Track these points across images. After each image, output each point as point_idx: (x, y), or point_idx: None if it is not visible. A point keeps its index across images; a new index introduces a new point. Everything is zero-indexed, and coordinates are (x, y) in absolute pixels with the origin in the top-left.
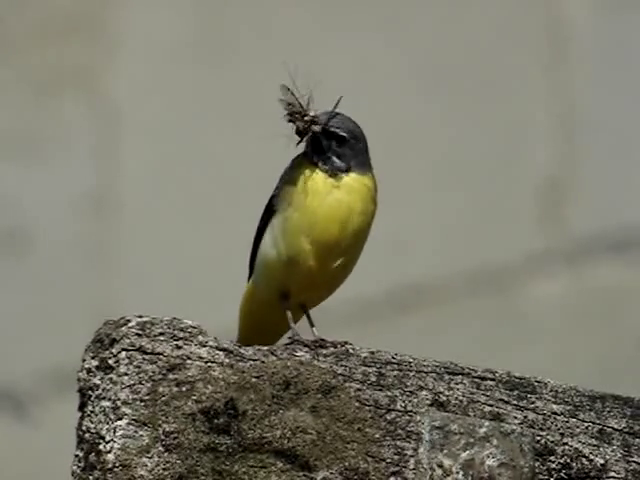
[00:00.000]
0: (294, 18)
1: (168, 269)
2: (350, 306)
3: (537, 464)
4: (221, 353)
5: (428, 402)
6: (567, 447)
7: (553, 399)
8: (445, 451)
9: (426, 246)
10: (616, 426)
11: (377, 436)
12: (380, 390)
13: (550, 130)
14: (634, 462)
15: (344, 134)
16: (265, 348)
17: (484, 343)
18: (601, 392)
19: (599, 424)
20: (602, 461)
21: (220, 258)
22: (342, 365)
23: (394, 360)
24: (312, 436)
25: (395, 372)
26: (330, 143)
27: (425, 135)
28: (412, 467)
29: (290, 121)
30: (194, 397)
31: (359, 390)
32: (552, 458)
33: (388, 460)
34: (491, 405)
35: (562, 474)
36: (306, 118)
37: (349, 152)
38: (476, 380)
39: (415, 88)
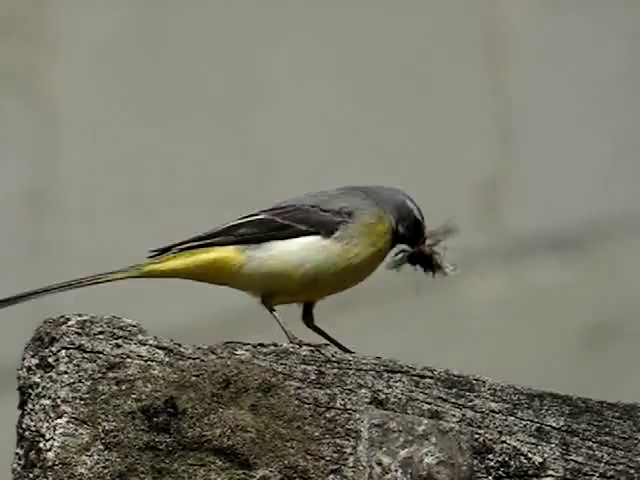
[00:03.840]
0: (230, 18)
1: (106, 268)
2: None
3: (475, 462)
4: (161, 352)
5: (367, 400)
6: (505, 445)
7: (491, 397)
8: (384, 449)
9: None
10: (554, 424)
11: (316, 434)
12: (320, 388)
13: (487, 129)
14: (572, 460)
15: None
16: (205, 347)
17: (423, 341)
18: (539, 390)
19: (537, 422)
20: (540, 459)
21: None
22: (282, 363)
23: (334, 358)
24: (251, 434)
25: (335, 370)
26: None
27: (362, 135)
28: (351, 465)
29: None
30: (134, 395)
31: (299, 388)
32: (490, 456)
33: (327, 458)
34: (430, 403)
35: (500, 472)
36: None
37: None
38: (415, 378)
39: (352, 88)
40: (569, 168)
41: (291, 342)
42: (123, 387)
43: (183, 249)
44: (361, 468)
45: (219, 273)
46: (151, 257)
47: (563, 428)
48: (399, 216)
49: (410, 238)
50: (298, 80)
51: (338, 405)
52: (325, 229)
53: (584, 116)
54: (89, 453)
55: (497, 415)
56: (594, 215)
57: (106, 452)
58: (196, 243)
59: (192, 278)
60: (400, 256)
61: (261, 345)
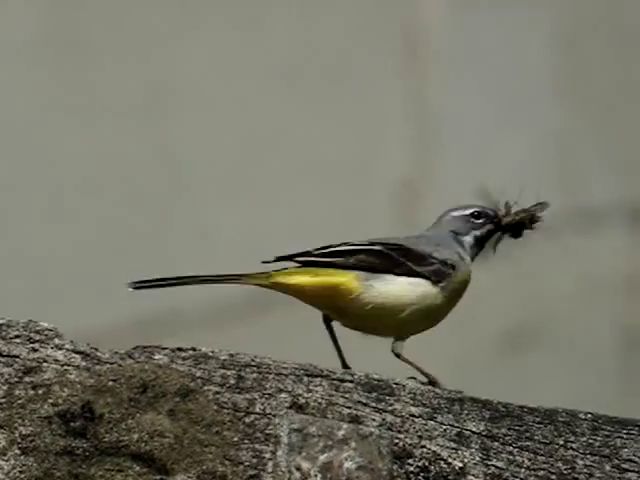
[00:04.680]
0: (149, 15)
1: (21, 271)
2: (207, 307)
3: (395, 467)
4: (77, 356)
5: (287, 405)
6: (425, 450)
7: (411, 401)
8: (303, 454)
9: (283, 245)
10: (475, 429)
11: (235, 439)
12: (239, 393)
13: (405, 131)
14: (493, 465)
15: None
16: (122, 351)
17: (342, 345)
18: (459, 394)
19: (457, 427)
20: (460, 464)
21: (75, 259)
22: (201, 368)
23: (253, 363)
24: (169, 440)
25: (254, 375)
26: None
27: (281, 135)
28: (270, 470)
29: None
30: (50, 400)
31: (218, 393)
32: (410, 461)
33: (246, 463)
34: (350, 407)
35: (420, 477)
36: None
37: None
38: (335, 382)
39: (272, 87)
40: (486, 171)
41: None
42: (40, 392)
43: (306, 262)
44: (280, 473)
45: (339, 298)
46: (266, 262)
47: (483, 433)
48: (464, 239)
49: (490, 230)
50: (217, 79)
51: (257, 410)
52: (436, 277)
53: (502, 118)
54: (5, 458)
55: (417, 419)
56: None
57: (23, 457)
58: (318, 259)
59: (309, 298)
60: (495, 239)
61: (179, 349)
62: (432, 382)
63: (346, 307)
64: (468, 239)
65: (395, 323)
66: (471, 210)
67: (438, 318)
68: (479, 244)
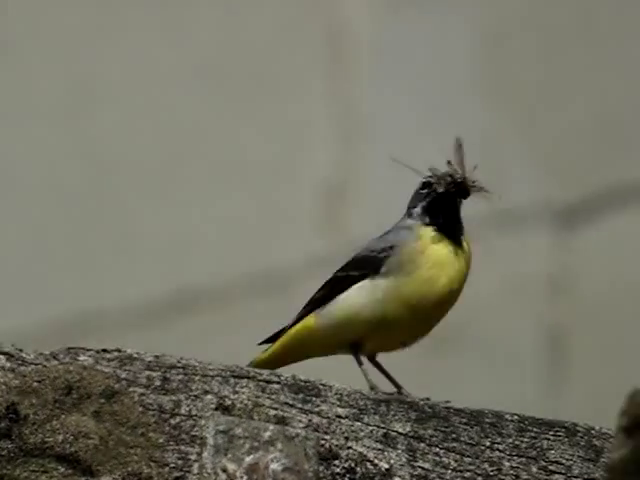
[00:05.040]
0: (69, 17)
1: None
2: (133, 309)
3: (321, 468)
4: (2, 357)
5: (213, 406)
6: (351, 451)
7: (338, 402)
8: (229, 455)
9: (209, 248)
10: (401, 430)
11: (161, 441)
12: (165, 394)
13: (330, 133)
14: (419, 467)
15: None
16: (47, 352)
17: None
18: (386, 396)
19: (384, 428)
20: (387, 465)
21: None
22: (126, 369)
23: (179, 364)
24: (94, 441)
25: (180, 376)
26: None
27: (205, 136)
28: (196, 472)
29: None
30: None
31: (143, 395)
32: (336, 462)
33: (172, 465)
34: (276, 409)
35: (346, 478)
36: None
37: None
38: (261, 384)
39: (195, 89)
40: (409, 174)
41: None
42: None
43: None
44: (206, 475)
45: (305, 340)
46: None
47: (410, 434)
48: (414, 211)
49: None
50: (140, 80)
51: (183, 411)
52: (372, 268)
53: (426, 118)
54: None
55: (343, 421)
56: None
57: None
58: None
59: (291, 357)
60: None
61: (104, 351)
62: (398, 389)
63: (318, 342)
64: (417, 210)
65: (368, 328)
66: (419, 185)
67: (407, 299)
68: (430, 212)
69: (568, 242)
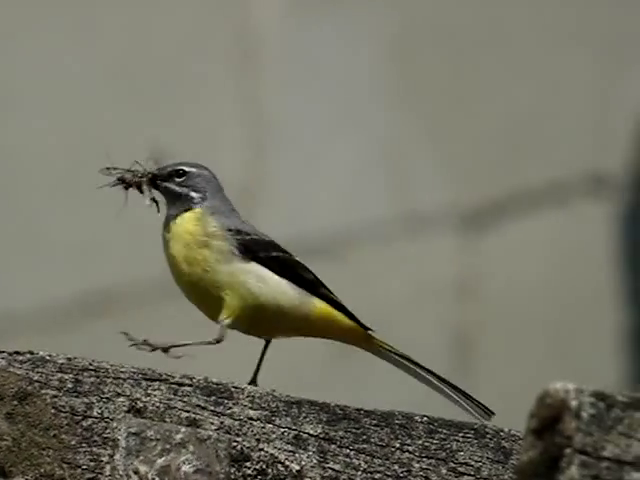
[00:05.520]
0: None
1: None
2: (43, 312)
3: (233, 470)
4: None
5: (125, 409)
6: (263, 453)
7: (250, 405)
8: (141, 457)
9: (119, 251)
10: (312, 432)
11: (73, 443)
12: (77, 397)
13: (239, 134)
14: (330, 468)
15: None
16: None
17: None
18: (297, 397)
19: (295, 430)
20: (298, 467)
21: None
22: (38, 372)
23: (91, 367)
24: (7, 442)
25: (92, 379)
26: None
27: (114, 140)
28: (108, 474)
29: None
30: None
31: (55, 397)
32: (248, 464)
33: (84, 467)
34: (188, 411)
35: None
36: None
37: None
38: (173, 386)
39: (105, 90)
40: (319, 174)
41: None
42: None
43: None
44: (118, 477)
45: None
46: None
47: (321, 435)
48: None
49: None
50: (49, 81)
51: (95, 414)
52: None
53: (335, 122)
54: None
55: (255, 423)
56: (342, 223)
57: None
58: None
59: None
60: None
61: (17, 353)
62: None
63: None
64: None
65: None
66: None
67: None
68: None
69: (474, 245)
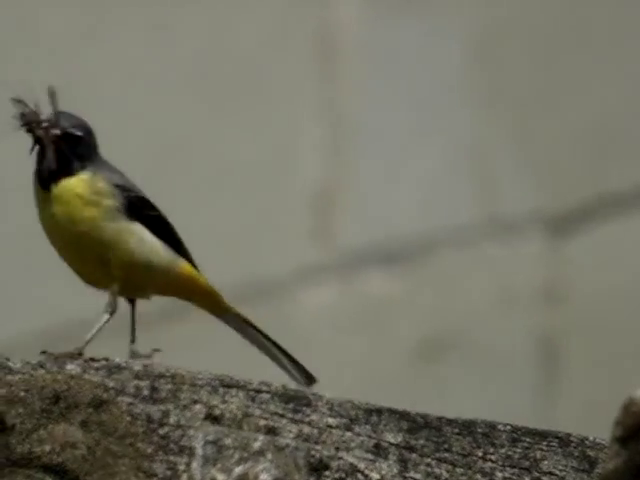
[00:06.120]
0: (54, 18)
1: None
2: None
3: (312, 479)
4: None
5: (202, 416)
6: (342, 462)
7: (329, 412)
8: (219, 466)
9: (197, 256)
10: (392, 440)
11: (149, 451)
12: (153, 404)
13: (321, 140)
14: (411, 477)
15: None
16: (34, 362)
17: (257, 355)
18: (377, 405)
19: (375, 438)
20: (378, 476)
21: None
22: (114, 378)
23: (167, 373)
24: (82, 451)
25: (169, 385)
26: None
27: (193, 144)
28: None
29: (29, 131)
30: None
31: (131, 404)
32: (327, 473)
33: (160, 475)
34: (266, 419)
35: None
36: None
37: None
38: (251, 393)
39: (183, 93)
40: (400, 178)
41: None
42: None
43: None
44: None
45: None
46: None
47: (401, 444)
48: None
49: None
50: (125, 83)
51: (171, 421)
52: None
53: (417, 125)
54: None
55: (334, 431)
56: (425, 227)
57: None
58: None
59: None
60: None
61: (92, 360)
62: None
63: None
64: None
65: None
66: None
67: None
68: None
69: (561, 250)
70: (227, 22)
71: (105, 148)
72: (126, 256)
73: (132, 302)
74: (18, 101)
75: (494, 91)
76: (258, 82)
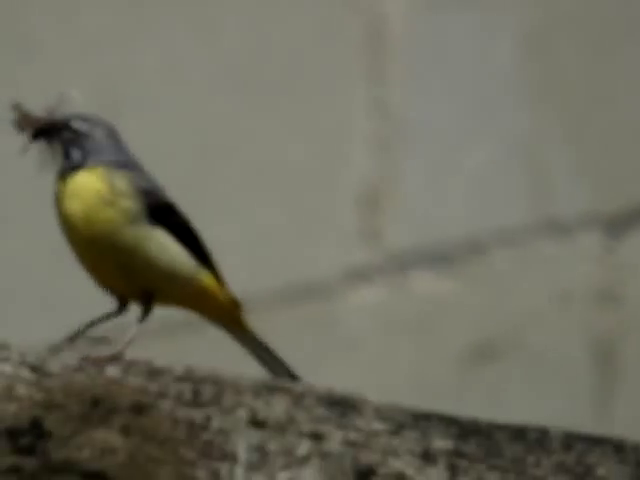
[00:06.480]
0: (97, 17)
1: None
2: (156, 320)
3: None
4: (26, 369)
5: (245, 420)
6: (390, 468)
7: (375, 417)
8: (263, 471)
9: (245, 256)
10: (442, 446)
11: (191, 457)
12: (195, 408)
13: (368, 134)
14: None
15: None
16: (73, 365)
17: (303, 358)
18: (426, 410)
19: (424, 444)
20: None
21: (20, 270)
22: (155, 382)
23: (210, 377)
24: (122, 457)
25: (211, 389)
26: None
27: (240, 143)
28: None
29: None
30: None
31: (173, 409)
32: (374, 478)
33: None
34: (311, 424)
35: None
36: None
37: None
38: (296, 397)
39: (229, 91)
40: (451, 175)
41: None
42: None
43: None
44: None
45: None
46: None
47: (451, 450)
48: None
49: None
50: (169, 82)
51: (214, 426)
52: None
53: (468, 122)
54: None
55: (381, 436)
56: (476, 227)
57: None
58: None
59: None
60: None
61: (133, 362)
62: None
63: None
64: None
65: None
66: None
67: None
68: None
69: (616, 251)
70: (275, 19)
71: (150, 149)
72: (147, 264)
73: (146, 308)
74: (16, 106)
75: (548, 88)
76: (306, 80)
